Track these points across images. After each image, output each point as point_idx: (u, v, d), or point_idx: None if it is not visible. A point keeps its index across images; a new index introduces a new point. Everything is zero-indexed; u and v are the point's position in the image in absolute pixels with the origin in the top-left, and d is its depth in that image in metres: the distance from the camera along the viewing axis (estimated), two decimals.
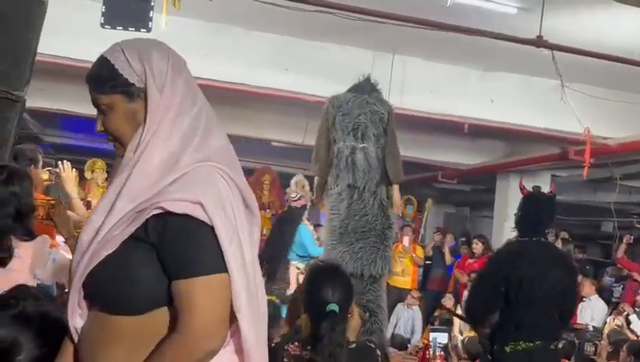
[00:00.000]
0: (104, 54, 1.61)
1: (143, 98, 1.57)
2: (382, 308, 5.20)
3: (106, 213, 1.54)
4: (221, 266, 1.49)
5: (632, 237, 9.18)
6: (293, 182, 7.98)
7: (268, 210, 10.82)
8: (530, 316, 3.83)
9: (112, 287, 1.50)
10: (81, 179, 7.75)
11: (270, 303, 5.11)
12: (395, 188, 5.26)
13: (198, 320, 1.46)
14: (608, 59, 6.23)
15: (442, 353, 4.39)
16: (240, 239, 1.54)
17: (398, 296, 8.99)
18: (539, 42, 5.78)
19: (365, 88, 5.31)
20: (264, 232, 10.55)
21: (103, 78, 1.58)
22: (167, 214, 1.48)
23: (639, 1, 5.12)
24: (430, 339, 4.46)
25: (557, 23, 5.90)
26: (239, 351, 1.57)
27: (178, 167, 1.53)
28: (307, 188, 7.44)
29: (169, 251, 1.48)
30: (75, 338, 1.59)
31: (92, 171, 8.89)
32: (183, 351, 1.46)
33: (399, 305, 8.91)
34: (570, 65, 6.29)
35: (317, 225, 8.84)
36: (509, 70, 7.82)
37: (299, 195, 7.20)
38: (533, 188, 4.42)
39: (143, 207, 1.49)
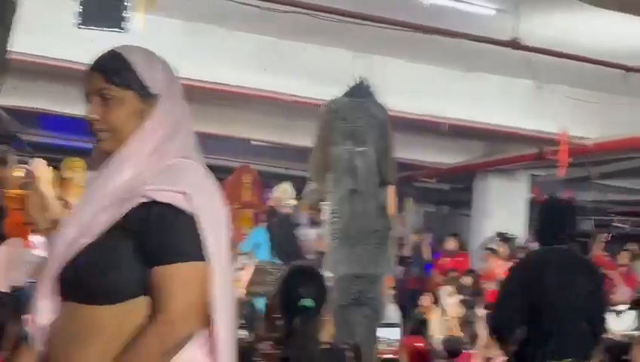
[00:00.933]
0: (119, 50, 1.68)
1: (153, 103, 1.65)
2: (383, 306, 5.35)
3: (89, 203, 1.59)
4: (200, 255, 1.54)
5: (610, 235, 9.28)
6: (279, 189, 7.97)
7: (248, 210, 10.80)
8: (559, 329, 3.61)
9: (92, 275, 1.52)
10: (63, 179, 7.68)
11: (246, 304, 5.14)
12: (391, 189, 5.32)
13: (174, 305, 1.50)
14: (583, 61, 6.32)
15: (392, 348, 4.35)
16: (220, 232, 1.59)
17: None
18: (515, 44, 5.84)
19: (361, 92, 5.30)
20: (243, 231, 10.55)
21: (119, 71, 1.64)
22: (151, 203, 1.53)
23: (613, 3, 5.18)
24: (380, 336, 4.38)
25: (534, 25, 5.96)
26: (213, 352, 1.60)
27: (164, 160, 1.60)
28: (292, 195, 7.49)
29: (150, 238, 1.52)
30: (40, 338, 1.58)
31: (71, 170, 8.79)
32: (159, 336, 1.49)
33: None
34: (547, 67, 6.36)
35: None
36: (489, 71, 7.88)
37: (288, 203, 7.26)
38: (549, 194, 4.29)
39: (127, 195, 1.53)
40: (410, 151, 10.59)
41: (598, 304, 3.81)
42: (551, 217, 3.93)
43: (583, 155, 8.52)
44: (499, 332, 3.86)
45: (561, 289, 3.63)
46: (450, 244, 10.10)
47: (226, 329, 1.60)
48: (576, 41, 6.35)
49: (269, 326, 2.61)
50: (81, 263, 1.53)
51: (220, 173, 12.62)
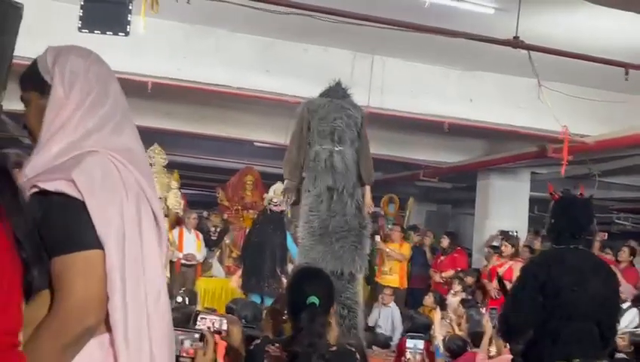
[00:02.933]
0: (40, 55, 1.72)
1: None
2: (359, 305, 5.37)
3: None
4: (96, 243, 1.50)
5: (606, 234, 9.30)
6: (272, 189, 8.11)
7: (251, 211, 10.82)
8: (568, 329, 3.53)
9: None
10: None
11: (251, 304, 5.16)
12: (367, 189, 5.47)
13: (71, 296, 1.46)
14: (583, 59, 6.33)
15: (419, 357, 4.38)
16: (123, 222, 1.55)
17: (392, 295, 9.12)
18: (515, 43, 5.85)
19: (338, 93, 5.46)
20: (247, 232, 10.57)
21: (25, 75, 1.71)
22: (42, 193, 1.51)
23: (615, 1, 5.20)
24: (408, 346, 4.41)
25: (533, 23, 5.98)
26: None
27: (70, 153, 1.59)
28: None
29: (45, 229, 1.49)
30: None
31: None
32: (57, 330, 1.45)
33: (375, 305, 9.01)
34: (547, 65, 6.37)
35: None
36: (488, 70, 7.90)
37: (279, 201, 7.34)
38: (563, 191, 4.03)
39: (23, 187, 1.49)
40: (411, 150, 10.61)
41: (611, 309, 3.71)
42: (565, 216, 3.79)
43: (584, 153, 8.54)
44: (513, 333, 3.78)
45: (575, 290, 3.55)
46: (444, 242, 10.16)
47: (135, 329, 1.53)
48: (576, 39, 6.36)
49: (275, 326, 2.64)
50: None
51: (222, 174, 12.73)
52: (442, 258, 10.15)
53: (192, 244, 8.81)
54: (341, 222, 5.15)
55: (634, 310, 6.95)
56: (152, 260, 1.62)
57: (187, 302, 5.40)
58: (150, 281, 1.61)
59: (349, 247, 5.14)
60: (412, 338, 4.48)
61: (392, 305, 9.04)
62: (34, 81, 1.68)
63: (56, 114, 1.63)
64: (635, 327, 6.51)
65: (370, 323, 8.64)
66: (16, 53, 3.33)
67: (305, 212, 5.28)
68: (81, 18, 4.32)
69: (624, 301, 6.60)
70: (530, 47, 5.99)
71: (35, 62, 1.71)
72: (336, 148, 5.21)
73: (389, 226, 10.68)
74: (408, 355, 4.22)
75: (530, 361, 3.66)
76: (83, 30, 4.36)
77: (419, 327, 5.84)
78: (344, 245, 5.13)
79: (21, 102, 1.73)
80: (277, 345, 2.47)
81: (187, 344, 2.11)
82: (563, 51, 6.19)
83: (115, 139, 1.65)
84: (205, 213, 11.29)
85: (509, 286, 4.66)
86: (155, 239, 1.66)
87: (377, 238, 9.35)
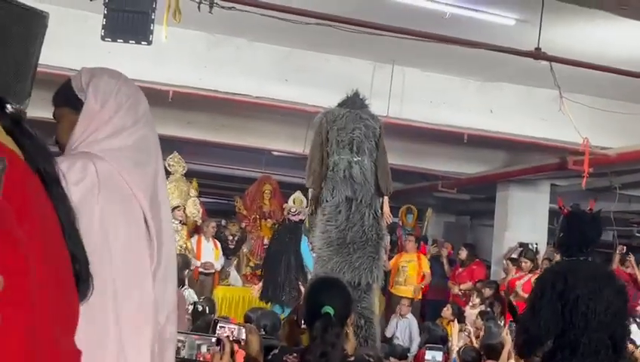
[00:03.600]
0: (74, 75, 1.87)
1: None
2: (375, 315, 5.44)
3: None
4: None
5: (625, 247, 9.21)
6: (291, 198, 8.16)
7: (269, 220, 10.83)
8: (586, 339, 3.59)
9: None
10: None
11: (270, 313, 5.17)
12: (385, 200, 5.49)
13: None
14: (606, 71, 6.27)
15: None
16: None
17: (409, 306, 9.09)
18: (537, 54, 5.81)
19: (356, 103, 5.51)
20: (265, 242, 10.59)
21: (59, 93, 1.87)
22: None
23: (634, 12, 5.15)
24: (427, 358, 4.40)
25: (555, 35, 5.94)
26: None
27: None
28: (304, 204, 7.59)
29: None
30: None
31: None
32: None
33: (392, 316, 8.97)
34: (569, 76, 6.32)
35: None
36: (509, 80, 7.86)
37: (297, 210, 7.37)
38: (572, 206, 4.22)
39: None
40: (430, 161, 10.57)
41: (623, 320, 3.78)
42: (574, 229, 3.91)
43: (605, 165, 8.45)
44: (532, 344, 3.78)
45: (591, 300, 3.62)
46: (463, 254, 10.09)
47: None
48: (598, 51, 6.32)
49: (293, 336, 2.63)
50: None
51: (240, 183, 12.76)
52: (460, 270, 10.10)
53: (210, 253, 8.84)
54: (359, 233, 5.16)
55: None
56: (130, 254, 1.66)
57: (207, 311, 5.42)
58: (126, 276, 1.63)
59: (366, 258, 5.16)
60: (430, 349, 4.47)
61: (410, 316, 8.99)
62: (68, 98, 1.82)
63: (87, 124, 1.75)
64: None
65: (388, 335, 8.61)
66: (40, 61, 3.37)
67: (322, 222, 5.29)
68: (104, 27, 4.36)
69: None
70: (551, 59, 5.95)
71: (69, 81, 1.86)
72: (355, 159, 5.23)
73: (406, 237, 10.65)
74: None
75: None
76: (106, 39, 4.41)
77: (436, 339, 5.81)
78: (362, 256, 5.14)
79: (53, 118, 1.87)
80: (294, 355, 2.47)
81: (204, 349, 2.15)
82: (585, 63, 6.14)
83: (129, 155, 1.74)
84: (223, 222, 11.33)
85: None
86: (137, 237, 1.70)
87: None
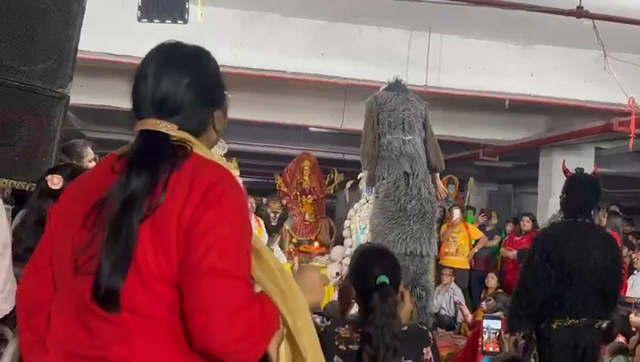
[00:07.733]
0: None
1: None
2: (433, 286, 5.79)
3: None
4: None
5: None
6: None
7: (309, 196, 10.86)
8: (572, 294, 3.92)
9: None
10: None
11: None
12: (437, 175, 5.93)
13: None
14: None
15: (496, 340, 4.40)
16: None
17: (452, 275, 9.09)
18: (579, 13, 5.64)
19: (400, 87, 5.89)
20: (306, 218, 10.63)
21: None
22: None
23: None
24: (484, 327, 4.47)
25: None
26: None
27: None
28: None
29: None
30: None
31: None
32: None
33: (437, 288, 8.96)
34: (613, 34, 6.12)
35: None
36: (549, 42, 7.64)
37: None
38: (575, 169, 4.49)
39: None
40: (470, 129, 10.42)
41: (613, 278, 4.06)
42: (574, 192, 4.22)
43: None
44: (522, 300, 3.99)
45: (578, 261, 3.94)
46: (527, 225, 9.84)
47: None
48: None
49: (344, 308, 2.61)
50: None
51: (280, 160, 12.81)
52: (517, 237, 9.91)
53: (254, 230, 8.90)
54: (417, 206, 5.47)
55: None
56: None
57: None
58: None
59: (425, 229, 5.46)
60: (488, 318, 4.58)
61: (453, 285, 8.97)
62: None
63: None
64: None
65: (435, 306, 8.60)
66: (80, 47, 3.40)
67: (380, 199, 5.57)
68: (140, 8, 4.38)
69: None
70: (594, 16, 5.76)
71: None
72: (407, 138, 5.59)
73: (449, 207, 10.57)
74: (485, 335, 4.29)
75: (540, 330, 3.97)
76: (142, 20, 4.43)
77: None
78: (421, 227, 5.44)
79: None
80: (346, 326, 2.45)
81: None
82: (629, 19, 5.93)
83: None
84: (264, 200, 11.39)
85: None
86: None
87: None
